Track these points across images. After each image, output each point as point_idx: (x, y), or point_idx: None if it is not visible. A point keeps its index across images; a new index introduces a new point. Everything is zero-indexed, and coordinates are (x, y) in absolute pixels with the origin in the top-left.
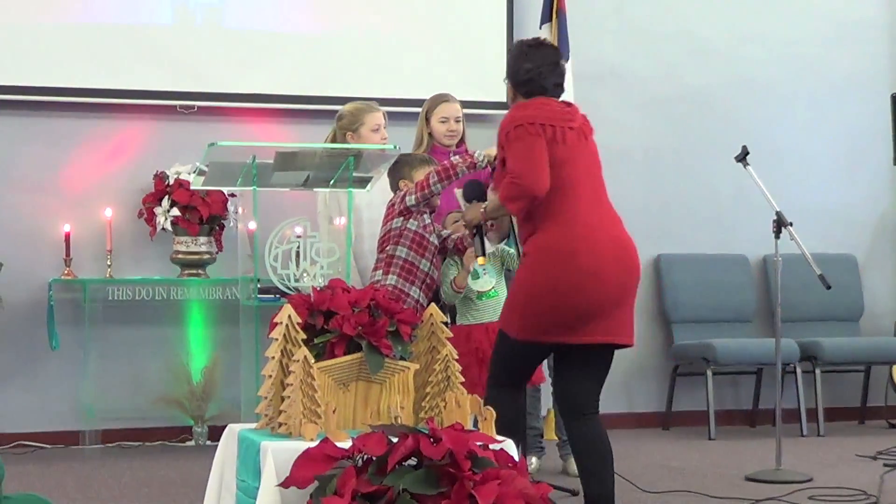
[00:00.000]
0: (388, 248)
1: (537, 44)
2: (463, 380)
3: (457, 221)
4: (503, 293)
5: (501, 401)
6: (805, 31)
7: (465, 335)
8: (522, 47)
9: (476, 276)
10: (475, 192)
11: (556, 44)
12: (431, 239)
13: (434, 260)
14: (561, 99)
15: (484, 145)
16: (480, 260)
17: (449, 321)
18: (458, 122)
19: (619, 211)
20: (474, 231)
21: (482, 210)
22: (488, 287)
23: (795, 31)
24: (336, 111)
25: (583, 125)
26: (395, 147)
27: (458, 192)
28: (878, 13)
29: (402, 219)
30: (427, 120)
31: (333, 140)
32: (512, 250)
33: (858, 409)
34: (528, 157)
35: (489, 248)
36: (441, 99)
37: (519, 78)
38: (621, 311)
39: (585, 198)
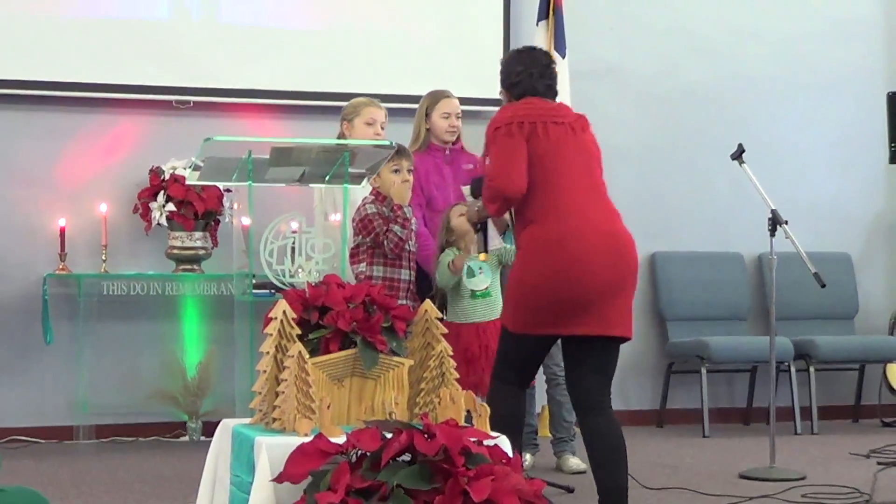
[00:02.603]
0: (361, 266)
1: (528, 49)
2: (458, 376)
3: (462, 215)
4: (496, 294)
5: (501, 397)
6: (801, 29)
7: (454, 334)
8: (513, 53)
9: (472, 274)
10: (481, 190)
11: (553, 40)
12: (405, 246)
13: (412, 264)
14: (558, 100)
15: (478, 141)
16: (482, 256)
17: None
18: (458, 118)
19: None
20: (478, 228)
21: (476, 209)
22: (483, 286)
23: (792, 28)
24: (332, 107)
25: (574, 121)
26: (391, 143)
27: (466, 189)
28: (874, 11)
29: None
30: (427, 115)
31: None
32: (512, 247)
33: (852, 407)
34: (501, 158)
35: (494, 244)
36: (442, 95)
37: (510, 80)
38: (617, 303)
39: (575, 190)
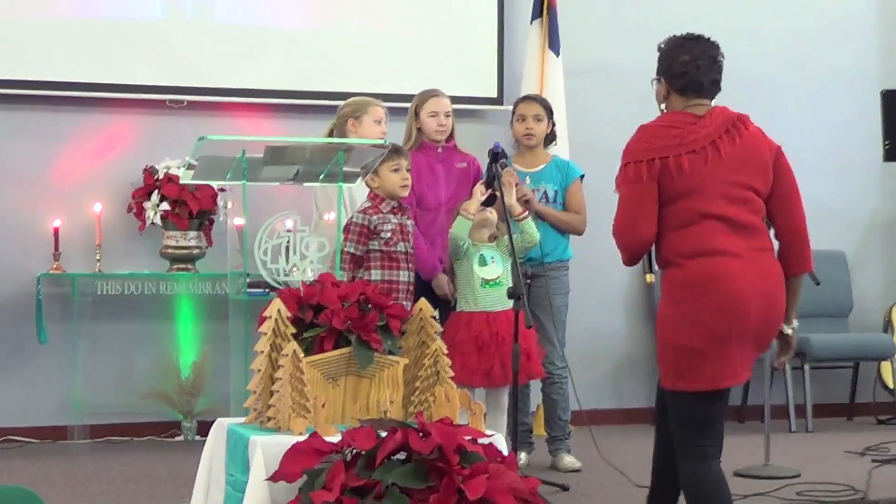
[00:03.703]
0: (360, 272)
1: (694, 37)
2: (452, 374)
3: (493, 213)
4: (507, 283)
5: (702, 476)
6: (795, 28)
7: (465, 322)
8: (678, 40)
9: (483, 262)
10: None
11: (547, 38)
12: (400, 248)
13: (410, 265)
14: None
15: (473, 140)
16: (649, 278)
17: (454, 305)
18: (447, 116)
19: (608, 209)
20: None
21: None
22: (494, 276)
23: (786, 27)
24: (326, 106)
25: (719, 137)
26: (385, 143)
27: (478, 187)
28: (868, 9)
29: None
30: (416, 115)
31: (331, 134)
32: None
33: (847, 405)
34: (628, 209)
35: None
36: (430, 94)
37: (674, 71)
38: (757, 351)
39: (720, 228)
